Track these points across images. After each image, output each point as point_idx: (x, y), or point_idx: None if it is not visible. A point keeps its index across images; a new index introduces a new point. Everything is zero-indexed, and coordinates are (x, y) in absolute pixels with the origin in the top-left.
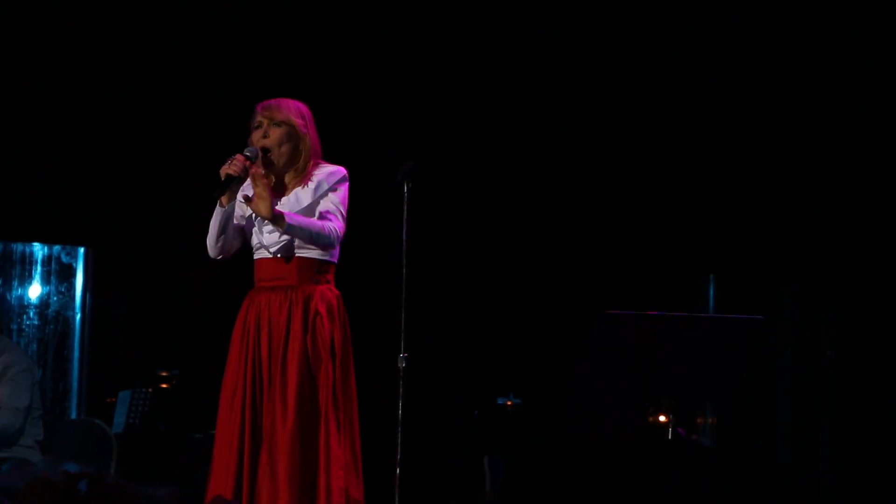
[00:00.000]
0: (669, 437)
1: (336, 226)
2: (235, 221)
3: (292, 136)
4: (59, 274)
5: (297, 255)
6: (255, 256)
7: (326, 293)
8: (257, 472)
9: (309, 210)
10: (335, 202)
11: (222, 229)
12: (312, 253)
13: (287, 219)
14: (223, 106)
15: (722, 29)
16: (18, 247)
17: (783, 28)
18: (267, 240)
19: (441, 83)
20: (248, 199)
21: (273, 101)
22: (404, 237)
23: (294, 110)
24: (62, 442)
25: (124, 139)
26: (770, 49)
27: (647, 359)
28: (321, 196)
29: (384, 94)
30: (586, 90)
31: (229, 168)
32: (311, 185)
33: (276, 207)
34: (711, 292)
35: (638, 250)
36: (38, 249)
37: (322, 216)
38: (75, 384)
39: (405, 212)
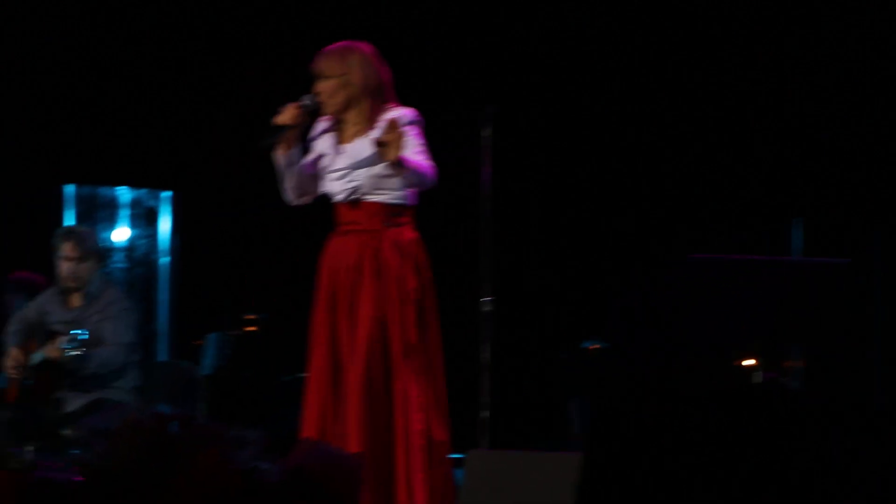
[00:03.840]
0: (757, 380)
1: (430, 163)
2: (308, 168)
3: (345, 85)
4: (145, 217)
5: (364, 199)
6: (332, 200)
7: (399, 236)
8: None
9: (371, 160)
10: (413, 142)
11: (287, 177)
12: (381, 198)
13: (405, 163)
14: (303, 48)
15: None
16: (105, 191)
17: None
18: (333, 188)
19: (526, 20)
20: (380, 144)
21: (329, 50)
22: (487, 181)
23: (351, 57)
24: (152, 384)
25: (207, 82)
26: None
27: (733, 303)
28: None
29: (467, 33)
30: (672, 38)
31: (279, 117)
32: (373, 134)
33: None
34: (797, 236)
35: (724, 193)
36: (124, 193)
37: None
38: (163, 327)
39: (487, 155)
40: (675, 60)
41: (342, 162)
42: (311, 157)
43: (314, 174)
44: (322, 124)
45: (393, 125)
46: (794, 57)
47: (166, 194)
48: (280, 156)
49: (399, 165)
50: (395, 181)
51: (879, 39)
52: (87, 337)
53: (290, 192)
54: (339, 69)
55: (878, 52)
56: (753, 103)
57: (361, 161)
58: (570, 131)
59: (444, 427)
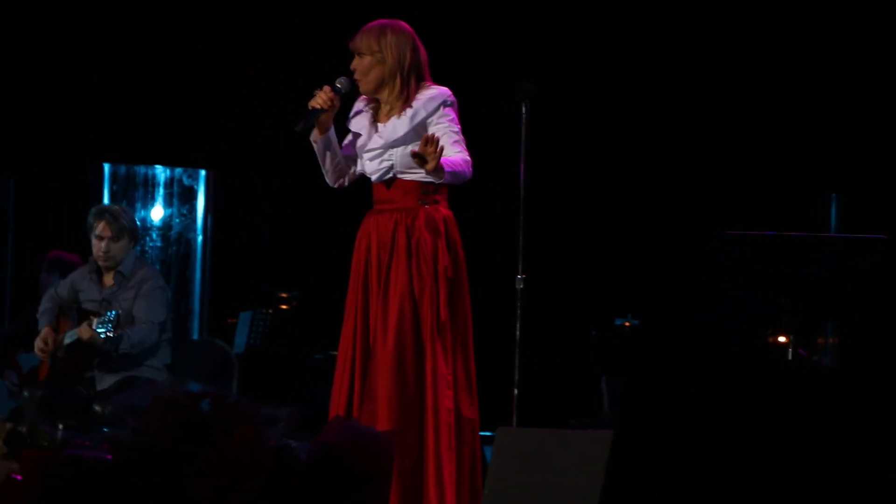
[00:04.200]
0: (790, 357)
1: (466, 155)
2: (345, 151)
3: (380, 63)
4: (181, 196)
5: (398, 178)
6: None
7: (433, 214)
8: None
9: (404, 140)
10: (450, 128)
11: (324, 160)
12: (415, 176)
13: (445, 167)
14: (340, 28)
15: None
16: (141, 169)
17: None
18: (368, 167)
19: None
20: (415, 155)
21: (367, 27)
22: (522, 159)
23: (387, 36)
24: (186, 362)
25: (244, 61)
26: None
27: (768, 279)
28: (420, 126)
29: (503, 7)
30: (711, 16)
31: (314, 100)
32: (409, 113)
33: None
34: (833, 212)
35: (758, 169)
36: (161, 172)
37: (443, 145)
38: (197, 305)
39: (523, 133)
40: (712, 37)
41: (377, 141)
42: (347, 138)
43: (351, 156)
44: (358, 104)
45: (429, 140)
46: (830, 35)
47: (204, 173)
48: (316, 139)
49: (439, 172)
50: None
51: None
52: (118, 318)
53: (329, 175)
54: (375, 47)
55: None
56: (790, 80)
57: (396, 140)
58: (606, 109)
59: (473, 405)
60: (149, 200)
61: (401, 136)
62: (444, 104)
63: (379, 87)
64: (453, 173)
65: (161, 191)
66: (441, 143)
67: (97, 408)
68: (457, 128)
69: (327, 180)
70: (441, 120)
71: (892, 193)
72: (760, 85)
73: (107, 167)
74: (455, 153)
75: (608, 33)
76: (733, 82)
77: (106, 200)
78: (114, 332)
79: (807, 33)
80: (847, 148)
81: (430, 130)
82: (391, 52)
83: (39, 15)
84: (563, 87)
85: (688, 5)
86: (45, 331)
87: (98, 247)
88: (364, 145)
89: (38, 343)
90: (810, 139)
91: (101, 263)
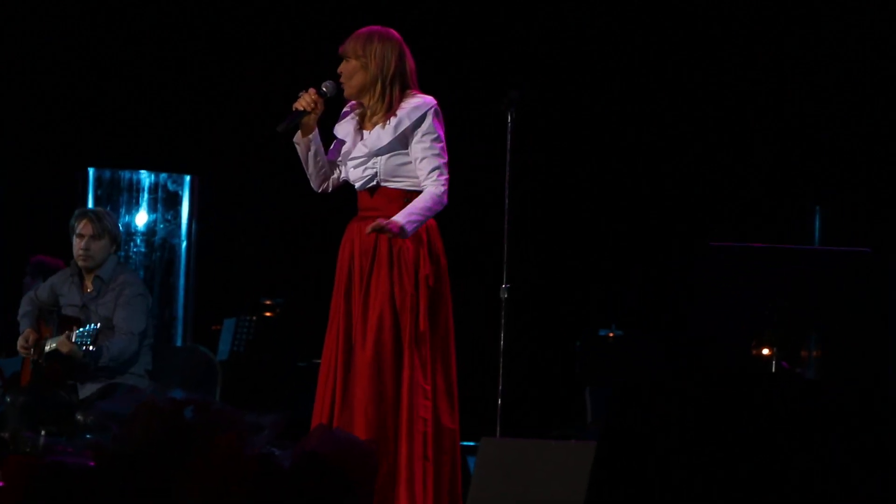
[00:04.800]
0: (773, 370)
1: (440, 185)
2: (330, 156)
3: (363, 69)
4: (166, 202)
5: (382, 185)
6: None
7: None
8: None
9: (388, 148)
10: (431, 150)
11: (307, 163)
12: (399, 184)
13: (408, 228)
14: (328, 33)
15: None
16: (126, 174)
17: None
18: (352, 175)
19: (550, 5)
20: (374, 230)
21: (356, 33)
22: (507, 167)
23: (374, 43)
24: (168, 369)
25: (230, 66)
26: None
27: (752, 290)
28: (403, 136)
29: (489, 16)
30: (698, 27)
31: (298, 102)
32: (393, 122)
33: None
34: (817, 224)
35: (742, 181)
36: (145, 177)
37: (422, 168)
38: (181, 311)
39: (508, 141)
40: (701, 48)
41: (361, 149)
42: (333, 143)
43: (335, 161)
44: (346, 109)
45: (378, 227)
46: (816, 47)
47: (189, 178)
48: (299, 141)
49: (403, 233)
50: (413, 168)
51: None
52: (98, 332)
53: (313, 179)
54: (360, 52)
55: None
56: (778, 91)
57: (380, 149)
58: (591, 120)
59: (454, 414)
60: (133, 206)
61: (385, 144)
62: (429, 115)
63: (361, 92)
64: (419, 223)
65: (145, 196)
66: (421, 167)
67: (79, 417)
68: (439, 147)
69: (311, 184)
70: (424, 139)
71: (876, 205)
72: (746, 96)
73: (91, 172)
74: (430, 183)
75: (596, 41)
76: (719, 93)
77: (90, 205)
78: (93, 345)
79: (792, 43)
80: (831, 160)
81: (413, 148)
82: (374, 59)
83: (24, 18)
84: (548, 96)
85: (682, 6)
86: (27, 331)
87: (78, 245)
88: (348, 152)
89: (20, 342)
90: (794, 150)
91: (80, 263)
